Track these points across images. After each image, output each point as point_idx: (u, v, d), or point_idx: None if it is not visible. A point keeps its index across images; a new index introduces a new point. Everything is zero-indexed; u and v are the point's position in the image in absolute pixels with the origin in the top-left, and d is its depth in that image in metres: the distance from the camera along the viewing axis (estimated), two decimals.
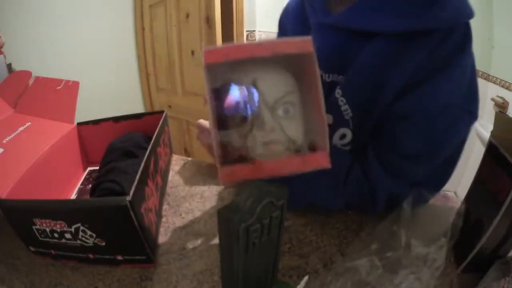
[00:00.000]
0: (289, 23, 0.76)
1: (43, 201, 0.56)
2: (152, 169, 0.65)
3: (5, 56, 1.97)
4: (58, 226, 0.51)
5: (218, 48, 0.38)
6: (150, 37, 2.88)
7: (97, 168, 0.77)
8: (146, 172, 0.60)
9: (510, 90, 2.49)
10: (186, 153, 2.76)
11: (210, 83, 0.38)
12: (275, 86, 0.40)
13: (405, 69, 0.55)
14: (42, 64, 1.78)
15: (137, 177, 0.54)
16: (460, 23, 0.55)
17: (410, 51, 0.55)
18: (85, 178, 0.84)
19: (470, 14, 0.55)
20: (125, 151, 0.75)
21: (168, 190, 0.82)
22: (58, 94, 0.83)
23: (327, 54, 0.61)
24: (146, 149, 0.65)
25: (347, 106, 0.62)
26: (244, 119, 0.39)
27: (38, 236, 0.54)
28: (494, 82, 2.65)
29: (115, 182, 0.65)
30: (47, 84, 0.85)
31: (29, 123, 0.77)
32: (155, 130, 0.74)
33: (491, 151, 0.55)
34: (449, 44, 0.54)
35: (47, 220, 0.51)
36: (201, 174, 0.88)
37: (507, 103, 2.46)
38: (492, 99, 2.58)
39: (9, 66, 1.99)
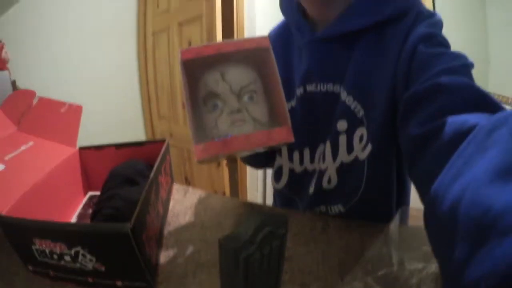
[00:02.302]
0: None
1: (44, 222, 0.56)
2: (153, 197, 0.65)
3: (10, 72, 2.00)
4: (57, 247, 0.51)
5: (191, 47, 0.49)
6: (153, 64, 2.93)
7: (98, 193, 0.78)
8: (147, 201, 0.60)
9: (509, 104, 2.52)
10: (187, 181, 2.76)
11: (186, 77, 0.47)
12: (240, 77, 0.50)
13: (392, 54, 0.62)
14: (45, 85, 1.81)
15: (139, 205, 0.54)
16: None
17: (389, 39, 0.64)
18: (85, 203, 0.85)
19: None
20: (126, 178, 0.76)
21: (169, 218, 0.82)
22: (61, 117, 0.85)
23: (321, 66, 0.71)
24: (148, 177, 0.66)
25: (356, 103, 0.67)
26: (215, 106, 0.48)
27: (37, 256, 0.54)
28: None
29: (116, 208, 0.65)
30: (51, 105, 0.86)
31: (32, 143, 0.78)
32: (156, 158, 0.74)
33: None
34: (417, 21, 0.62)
35: (47, 241, 0.51)
36: (202, 203, 0.88)
37: None
38: None
39: (13, 83, 2.01)
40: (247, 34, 2.52)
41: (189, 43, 2.54)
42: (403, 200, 0.78)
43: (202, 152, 0.46)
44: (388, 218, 0.71)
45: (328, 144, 0.74)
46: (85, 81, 2.53)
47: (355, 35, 0.67)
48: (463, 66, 0.53)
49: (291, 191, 0.85)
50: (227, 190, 2.48)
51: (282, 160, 0.84)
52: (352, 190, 0.73)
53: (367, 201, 0.72)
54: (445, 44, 0.60)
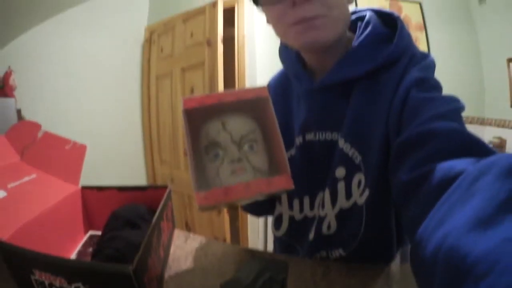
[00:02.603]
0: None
1: (47, 255, 0.56)
2: (155, 241, 0.66)
3: (16, 100, 2.02)
4: (57, 281, 0.51)
5: (194, 97, 0.50)
6: (156, 108, 2.99)
7: (99, 233, 0.78)
8: (149, 244, 0.61)
9: (505, 127, 2.59)
10: (187, 227, 2.73)
11: (188, 125, 0.48)
12: (240, 126, 0.51)
13: (386, 100, 0.64)
14: (48, 118, 1.85)
15: (141, 248, 0.55)
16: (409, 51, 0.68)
17: (384, 85, 0.66)
18: (85, 241, 0.85)
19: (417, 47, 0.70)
20: (129, 221, 0.76)
21: (170, 263, 0.81)
22: (65, 154, 0.87)
23: (318, 115, 0.74)
24: (149, 221, 0.66)
25: (353, 150, 0.69)
26: (216, 155, 0.49)
27: (35, 286, 0.54)
28: (489, 124, 2.79)
29: (117, 250, 0.65)
30: (56, 141, 0.88)
31: (35, 175, 0.79)
32: (157, 204, 0.75)
33: None
34: (410, 64, 0.66)
35: (47, 274, 0.51)
36: (203, 249, 0.88)
37: (504, 141, 2.56)
38: (490, 142, 2.67)
39: (18, 111, 2.03)
40: (248, 81, 2.60)
41: (192, 89, 2.60)
42: (404, 240, 0.77)
43: (203, 199, 0.46)
44: (389, 259, 0.72)
45: (327, 191, 0.74)
46: (88, 120, 2.59)
47: (351, 83, 0.69)
48: (454, 111, 0.55)
49: (291, 238, 0.85)
50: (228, 237, 2.45)
51: (282, 208, 0.84)
52: (352, 234, 0.73)
53: (368, 244, 0.72)
54: (437, 87, 0.63)
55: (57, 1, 2.42)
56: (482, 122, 2.84)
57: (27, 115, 2.11)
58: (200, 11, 2.57)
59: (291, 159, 0.76)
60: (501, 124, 2.62)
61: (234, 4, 2.61)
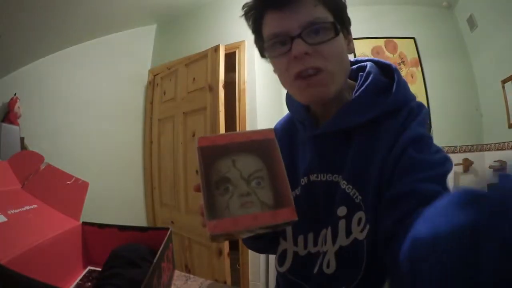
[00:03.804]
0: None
1: (49, 284, 0.55)
2: (155, 282, 0.65)
3: (20, 129, 2.02)
4: None
5: (207, 136, 0.55)
6: (157, 151, 3.00)
7: (97, 268, 0.78)
8: (150, 284, 0.60)
9: (505, 150, 2.60)
10: (187, 269, 2.67)
11: (202, 161, 0.53)
12: (249, 164, 0.55)
13: (385, 148, 0.69)
14: (50, 152, 1.84)
15: (142, 287, 0.54)
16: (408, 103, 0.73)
17: (385, 131, 0.71)
18: (84, 276, 0.83)
19: (413, 96, 0.76)
20: (129, 260, 0.76)
21: None
22: (67, 188, 0.87)
23: (322, 159, 0.78)
24: (150, 261, 0.66)
25: (354, 190, 0.72)
26: (226, 189, 0.52)
27: None
28: (489, 150, 2.81)
29: (118, 287, 0.64)
30: (58, 175, 0.89)
31: (36, 206, 0.79)
32: (157, 245, 0.75)
33: None
34: (409, 118, 0.71)
35: None
36: None
37: (505, 163, 2.55)
38: (490, 167, 2.68)
39: (22, 139, 2.03)
40: (248, 125, 2.64)
41: (193, 133, 2.63)
42: None
43: (214, 227, 0.49)
44: None
45: (329, 228, 0.76)
46: (89, 157, 2.61)
47: (353, 130, 0.74)
48: (442, 175, 0.63)
49: (295, 274, 0.84)
50: (229, 280, 2.39)
51: (287, 244, 0.85)
52: (355, 269, 0.73)
53: (371, 279, 0.72)
54: (432, 146, 0.70)
55: (65, 36, 2.51)
56: (481, 148, 2.87)
57: (30, 145, 2.12)
58: (202, 55, 2.65)
59: (296, 198, 0.80)
60: (501, 147, 2.64)
61: (235, 49, 2.69)
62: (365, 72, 0.78)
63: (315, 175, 0.79)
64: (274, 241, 0.89)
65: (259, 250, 1.03)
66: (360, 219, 0.72)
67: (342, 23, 0.73)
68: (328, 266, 0.75)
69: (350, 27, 0.77)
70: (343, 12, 0.75)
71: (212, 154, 0.55)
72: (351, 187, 0.72)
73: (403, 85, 0.75)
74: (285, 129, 0.92)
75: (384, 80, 0.76)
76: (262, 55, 0.75)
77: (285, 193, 0.55)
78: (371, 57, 0.84)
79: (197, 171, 0.60)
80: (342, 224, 0.74)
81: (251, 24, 0.75)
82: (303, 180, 0.81)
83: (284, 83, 0.76)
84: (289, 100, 0.88)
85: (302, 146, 0.85)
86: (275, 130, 0.89)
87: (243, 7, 0.74)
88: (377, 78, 0.75)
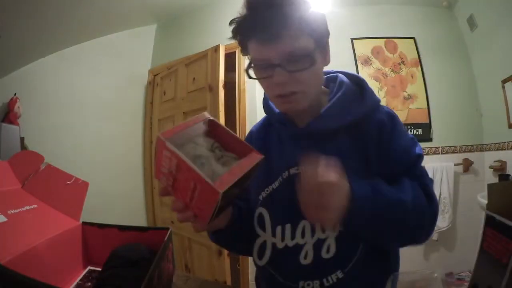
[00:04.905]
0: (253, 143, 0.91)
1: (49, 284, 0.55)
2: (156, 281, 0.65)
3: (20, 129, 2.02)
4: None
5: (167, 130, 0.62)
6: None
7: (97, 268, 0.79)
8: (150, 284, 0.60)
9: (505, 150, 2.60)
10: (187, 269, 2.67)
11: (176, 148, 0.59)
12: (206, 141, 0.68)
13: (365, 142, 0.81)
14: (49, 152, 1.84)
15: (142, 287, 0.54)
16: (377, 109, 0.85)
17: (359, 136, 0.82)
18: (84, 276, 0.83)
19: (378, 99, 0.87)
20: (130, 260, 0.76)
21: None
22: (67, 188, 0.88)
23: (302, 153, 0.79)
24: (150, 261, 0.66)
25: None
26: (202, 164, 0.61)
27: None
28: (489, 150, 2.82)
29: (118, 287, 0.64)
30: (58, 175, 0.90)
31: (36, 206, 0.80)
32: (157, 245, 0.76)
33: (489, 222, 0.61)
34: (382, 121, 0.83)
35: None
36: None
37: (505, 163, 2.56)
38: (491, 167, 2.69)
39: (22, 139, 2.03)
40: (248, 125, 2.63)
41: None
42: (394, 267, 0.86)
43: (221, 184, 0.56)
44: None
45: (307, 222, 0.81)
46: (88, 158, 2.61)
47: (334, 130, 0.82)
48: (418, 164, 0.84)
49: (275, 267, 0.86)
50: (229, 280, 2.39)
51: (266, 235, 0.87)
52: (351, 252, 0.79)
53: (365, 264, 0.79)
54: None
55: (65, 36, 2.51)
56: (481, 148, 2.88)
57: (30, 145, 2.12)
58: (202, 55, 2.65)
59: (274, 191, 0.87)
60: (501, 147, 2.64)
61: (235, 49, 2.69)
62: (338, 82, 0.87)
63: (295, 168, 0.84)
64: (251, 239, 0.91)
65: (243, 252, 1.02)
66: None
67: (322, 46, 0.79)
68: (328, 251, 0.79)
69: (328, 39, 0.83)
70: (325, 38, 0.81)
71: (179, 142, 0.62)
72: None
73: (371, 92, 0.86)
74: (261, 131, 1.01)
75: (355, 88, 0.86)
76: (249, 76, 0.80)
77: (243, 146, 0.70)
78: (339, 69, 0.94)
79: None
80: None
81: (238, 44, 0.81)
82: (285, 174, 0.86)
83: (267, 95, 0.90)
84: (267, 102, 0.96)
85: (280, 144, 0.91)
86: (251, 132, 1.06)
87: (230, 23, 0.78)
88: (350, 87, 0.85)
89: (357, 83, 0.88)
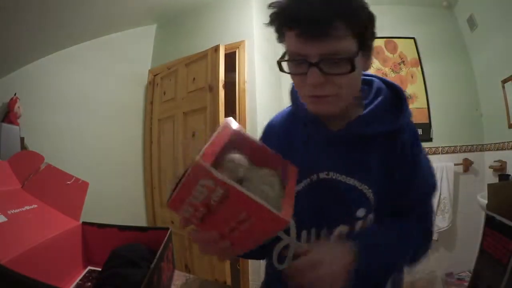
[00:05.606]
0: (274, 138, 0.91)
1: (49, 284, 0.55)
2: (155, 281, 0.65)
3: (20, 129, 2.02)
4: None
5: (205, 152, 0.54)
6: (157, 151, 2.99)
7: (97, 268, 0.79)
8: (149, 284, 0.60)
9: (505, 150, 2.60)
10: (187, 269, 2.66)
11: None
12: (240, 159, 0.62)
13: (394, 157, 0.80)
14: (49, 152, 1.84)
15: (142, 287, 0.54)
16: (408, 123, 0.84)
17: (394, 145, 0.79)
18: (84, 276, 0.83)
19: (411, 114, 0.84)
20: (130, 260, 0.76)
21: None
22: (67, 189, 0.88)
23: (337, 159, 0.81)
24: (150, 261, 0.66)
25: (372, 194, 0.79)
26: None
27: None
28: (489, 149, 2.83)
29: (118, 287, 0.64)
30: (58, 175, 0.90)
31: (36, 206, 0.79)
32: (157, 245, 0.76)
33: (489, 222, 0.61)
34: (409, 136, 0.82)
35: None
36: None
37: (505, 163, 2.56)
38: (490, 167, 2.69)
39: (22, 139, 2.02)
40: (249, 125, 2.63)
41: (193, 133, 2.63)
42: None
43: (286, 214, 0.53)
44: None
45: (344, 227, 0.80)
46: (88, 157, 2.60)
47: (371, 138, 0.79)
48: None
49: None
50: (228, 280, 2.38)
51: (290, 239, 0.84)
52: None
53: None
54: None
55: (65, 36, 2.51)
56: (481, 148, 2.89)
57: (30, 145, 2.12)
58: (202, 55, 2.64)
59: (298, 194, 0.79)
60: (501, 147, 2.64)
61: (235, 49, 2.69)
62: (374, 87, 0.83)
63: (324, 173, 0.81)
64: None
65: (253, 257, 1.00)
66: (370, 220, 0.80)
67: (366, 50, 0.73)
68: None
69: (373, 42, 0.76)
70: (370, 40, 0.74)
71: (218, 164, 0.56)
72: (371, 192, 0.78)
73: (407, 105, 0.82)
74: (284, 125, 0.92)
75: (393, 96, 0.82)
76: (281, 68, 0.74)
77: (273, 157, 0.67)
78: (375, 74, 0.89)
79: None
80: (359, 225, 0.80)
81: (274, 28, 0.72)
82: (313, 177, 0.82)
83: (298, 92, 0.80)
84: (295, 94, 0.86)
85: (305, 143, 0.85)
86: (271, 125, 0.97)
87: (269, 6, 0.68)
88: (389, 94, 0.82)
89: (395, 92, 0.83)
